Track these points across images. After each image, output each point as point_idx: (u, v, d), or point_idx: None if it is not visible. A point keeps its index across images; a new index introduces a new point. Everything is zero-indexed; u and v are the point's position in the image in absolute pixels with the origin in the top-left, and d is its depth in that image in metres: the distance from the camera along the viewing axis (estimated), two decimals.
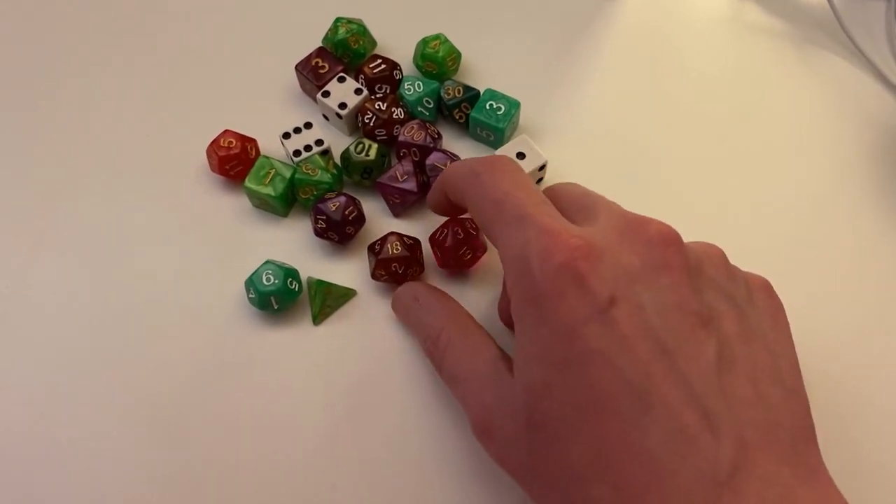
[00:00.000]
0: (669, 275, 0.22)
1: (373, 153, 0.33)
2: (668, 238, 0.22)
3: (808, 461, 0.21)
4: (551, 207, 0.24)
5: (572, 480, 0.21)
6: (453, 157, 0.33)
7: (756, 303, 0.24)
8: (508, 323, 0.31)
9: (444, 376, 0.27)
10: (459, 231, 0.30)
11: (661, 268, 0.22)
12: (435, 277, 0.32)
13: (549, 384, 0.21)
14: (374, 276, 0.31)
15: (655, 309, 0.21)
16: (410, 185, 0.32)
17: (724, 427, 0.20)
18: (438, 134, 0.33)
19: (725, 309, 0.22)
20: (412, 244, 0.31)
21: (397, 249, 0.31)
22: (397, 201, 0.33)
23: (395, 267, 0.31)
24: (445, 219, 0.32)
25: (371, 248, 0.31)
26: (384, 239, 0.31)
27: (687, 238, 0.24)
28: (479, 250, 0.31)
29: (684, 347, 0.21)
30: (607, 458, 0.20)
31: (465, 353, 0.27)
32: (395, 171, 0.32)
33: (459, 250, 0.30)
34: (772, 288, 0.25)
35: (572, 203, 0.25)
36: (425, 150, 0.33)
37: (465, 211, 0.30)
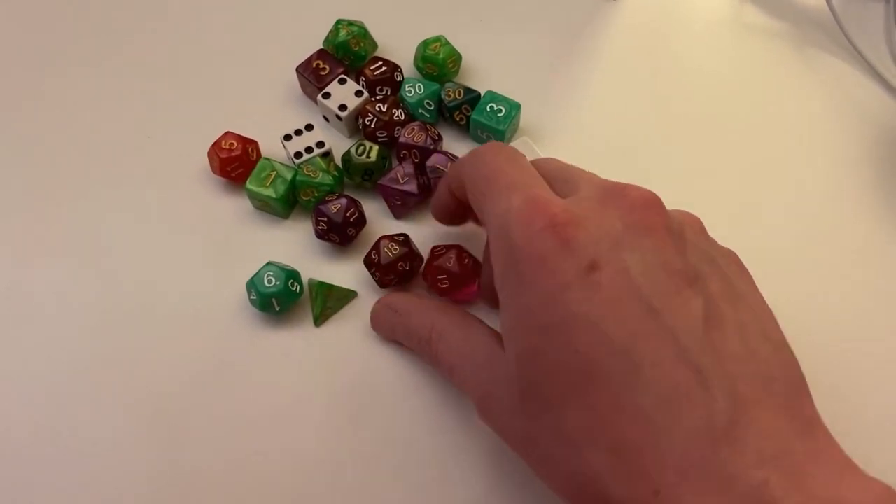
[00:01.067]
0: (652, 236, 0.22)
1: (374, 155, 0.33)
2: (649, 201, 0.23)
3: (804, 414, 0.21)
4: (543, 182, 0.24)
5: (570, 448, 0.21)
6: (454, 159, 0.33)
7: (732, 269, 0.24)
8: (488, 298, 0.31)
9: (441, 369, 0.27)
10: (453, 259, 0.30)
11: (643, 230, 0.22)
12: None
13: (537, 351, 0.21)
14: (383, 284, 0.31)
15: (640, 270, 0.21)
16: (411, 186, 0.32)
17: (716, 382, 0.20)
18: (439, 135, 0.34)
19: (709, 270, 0.22)
20: (404, 239, 0.31)
21: (395, 250, 0.31)
22: (398, 203, 0.33)
23: (400, 266, 0.31)
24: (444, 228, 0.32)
25: (368, 261, 0.31)
26: (376, 247, 0.31)
27: None
28: (459, 286, 0.31)
29: (671, 306, 0.21)
30: (601, 423, 0.20)
31: (456, 341, 0.27)
32: (395, 172, 0.32)
33: (437, 274, 0.30)
34: (740, 260, 0.25)
35: (553, 176, 0.26)
36: (426, 152, 0.33)
37: (465, 214, 0.30)
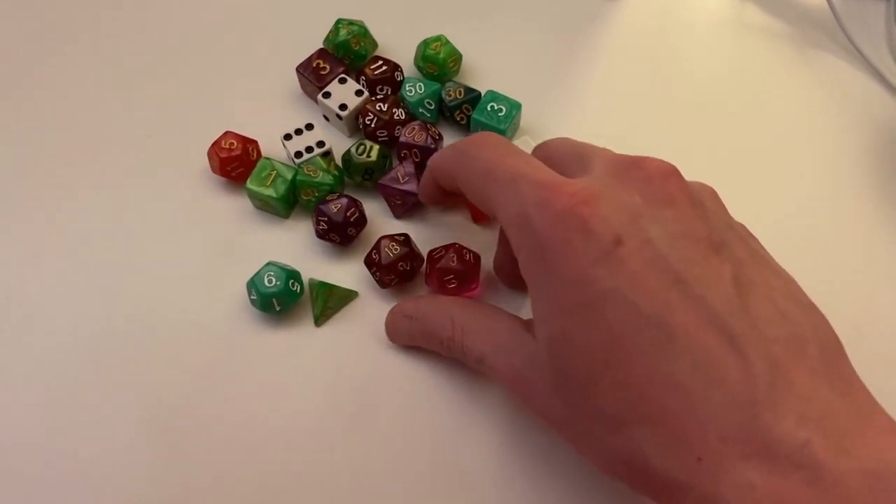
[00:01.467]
0: (673, 206, 0.22)
1: (374, 154, 0.33)
2: (667, 172, 0.23)
3: (842, 374, 0.21)
4: (543, 165, 0.24)
5: (609, 425, 0.21)
6: None
7: (750, 238, 0.24)
8: (507, 280, 0.31)
9: (471, 362, 0.27)
10: (455, 258, 0.30)
11: (664, 201, 0.22)
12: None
13: (568, 333, 0.21)
14: (383, 284, 0.31)
15: (664, 241, 0.21)
16: (411, 186, 0.32)
17: (751, 347, 0.20)
18: (439, 135, 0.34)
19: (732, 237, 0.23)
20: (405, 239, 0.31)
21: (396, 250, 0.31)
22: (398, 202, 0.33)
23: (401, 266, 0.31)
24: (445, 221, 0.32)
25: (369, 261, 0.31)
26: (377, 246, 0.31)
27: None
28: (468, 282, 0.31)
29: (699, 273, 0.21)
30: (637, 396, 0.20)
31: (480, 332, 0.27)
32: (396, 172, 0.32)
33: (443, 276, 0.30)
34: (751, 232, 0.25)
35: (565, 156, 0.26)
36: (427, 151, 0.33)
37: (457, 199, 0.30)
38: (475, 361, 0.27)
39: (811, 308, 0.22)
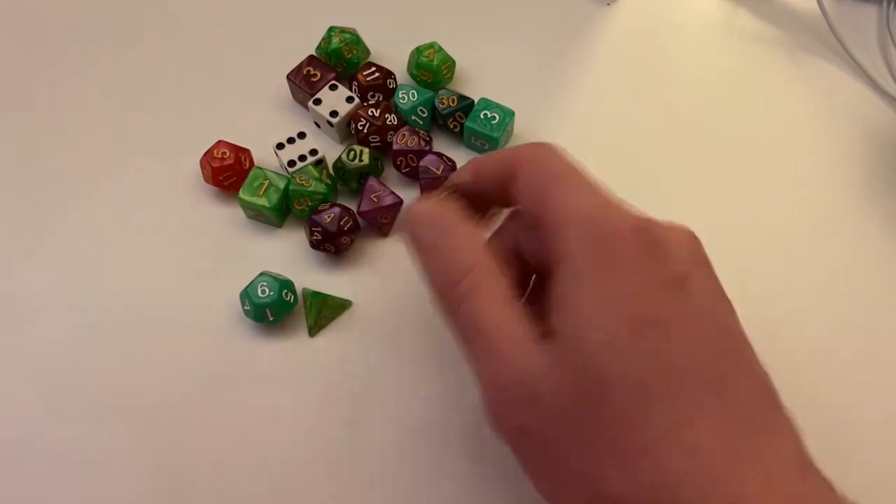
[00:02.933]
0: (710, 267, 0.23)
1: (366, 158, 0.33)
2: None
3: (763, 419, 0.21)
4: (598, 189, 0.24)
5: (641, 448, 0.20)
6: (447, 161, 0.33)
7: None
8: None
9: (461, 330, 0.23)
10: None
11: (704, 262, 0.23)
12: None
13: (620, 346, 0.20)
14: (339, 249, 0.32)
15: (710, 296, 0.22)
16: (391, 198, 0.32)
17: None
18: (429, 137, 0.34)
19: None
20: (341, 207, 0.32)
21: (332, 215, 0.31)
22: (386, 221, 0.33)
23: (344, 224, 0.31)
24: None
25: (318, 231, 0.31)
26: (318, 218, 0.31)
27: None
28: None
29: (737, 324, 0.22)
30: (686, 424, 0.20)
31: (494, 300, 0.22)
32: (367, 195, 0.32)
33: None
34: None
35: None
36: (421, 154, 0.33)
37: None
38: (471, 333, 0.22)
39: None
